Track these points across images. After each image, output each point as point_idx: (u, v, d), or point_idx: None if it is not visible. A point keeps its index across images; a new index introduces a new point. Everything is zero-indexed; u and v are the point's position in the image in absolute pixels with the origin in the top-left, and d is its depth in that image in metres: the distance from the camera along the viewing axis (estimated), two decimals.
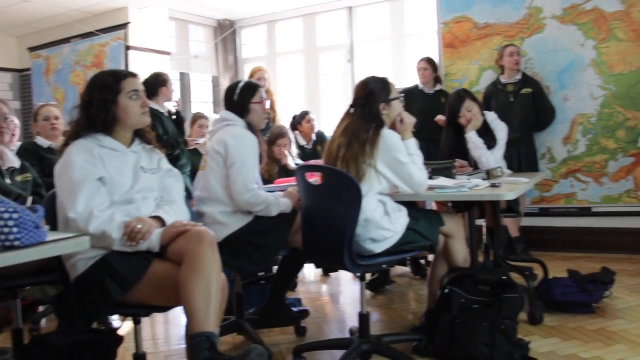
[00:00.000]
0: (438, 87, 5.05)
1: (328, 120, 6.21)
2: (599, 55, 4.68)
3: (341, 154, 2.64)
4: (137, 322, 2.24)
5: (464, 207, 3.12)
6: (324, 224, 2.56)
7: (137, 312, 2.20)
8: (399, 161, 2.61)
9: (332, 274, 4.63)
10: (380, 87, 2.74)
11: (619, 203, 4.71)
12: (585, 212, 4.84)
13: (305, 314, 3.32)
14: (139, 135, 2.39)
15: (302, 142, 5.22)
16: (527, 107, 4.65)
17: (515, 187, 2.84)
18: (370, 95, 2.71)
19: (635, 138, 4.60)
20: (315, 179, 2.75)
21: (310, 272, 4.80)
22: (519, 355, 2.56)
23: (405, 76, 6.20)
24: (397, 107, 2.78)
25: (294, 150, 4.54)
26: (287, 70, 7.43)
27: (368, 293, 3.97)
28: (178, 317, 3.55)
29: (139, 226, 2.05)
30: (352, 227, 2.44)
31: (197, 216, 2.84)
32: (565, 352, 2.75)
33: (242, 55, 7.66)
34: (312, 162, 3.77)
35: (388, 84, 2.78)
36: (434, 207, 3.85)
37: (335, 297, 4.15)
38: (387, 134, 2.64)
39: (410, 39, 6.58)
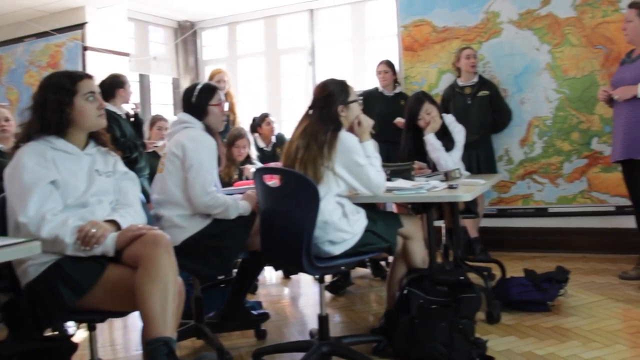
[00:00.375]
0: (397, 90, 5.09)
1: (289, 123, 6.19)
2: (553, 60, 4.79)
3: (299, 155, 2.64)
4: (91, 328, 2.20)
5: (422, 209, 3.15)
6: (282, 226, 2.56)
7: (91, 317, 2.16)
8: (356, 163, 2.63)
9: (293, 276, 4.63)
10: (339, 89, 2.76)
11: (573, 203, 4.82)
12: (542, 212, 4.94)
13: (265, 316, 3.31)
14: (94, 137, 2.35)
15: (262, 145, 5.20)
16: (484, 109, 4.72)
17: (472, 188, 2.88)
18: (329, 97, 2.72)
19: (588, 140, 4.71)
20: (274, 181, 2.74)
21: (270, 274, 4.79)
22: (476, 353, 2.60)
23: (365, 78, 6.22)
24: (355, 109, 2.80)
25: (253, 152, 4.52)
26: (248, 72, 7.39)
27: (328, 295, 3.99)
28: (137, 322, 3.48)
29: (93, 230, 2.02)
30: (310, 229, 2.45)
31: (155, 219, 2.80)
32: (521, 350, 2.80)
33: (202, 56, 7.60)
34: (271, 165, 3.77)
35: (347, 86, 2.79)
36: (394, 208, 3.88)
37: (296, 300, 4.14)
38: (344, 136, 2.65)
39: (371, 42, 6.62)
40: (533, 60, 4.87)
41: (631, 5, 3.83)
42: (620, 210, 4.62)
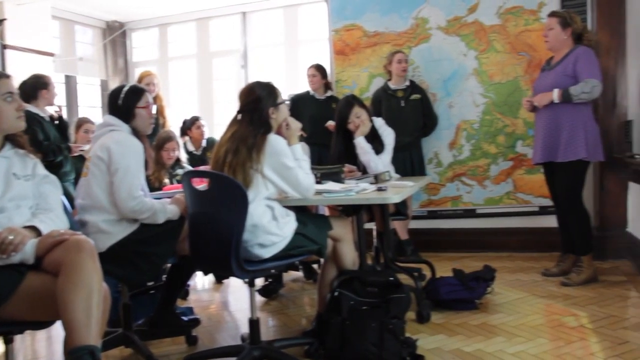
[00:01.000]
0: (329, 93, 5.11)
1: (221, 126, 6.06)
2: (479, 65, 4.93)
3: (228, 159, 2.61)
4: (8, 341, 2.10)
5: (353, 211, 3.18)
6: (210, 230, 2.53)
7: (8, 329, 2.05)
8: (285, 166, 2.63)
9: (225, 281, 4.58)
10: (267, 91, 2.75)
11: (500, 204, 4.97)
12: (470, 213, 5.07)
13: (196, 322, 3.26)
14: (10, 139, 2.25)
15: (191, 148, 5.13)
16: (417, 113, 4.80)
17: (400, 190, 2.93)
18: (258, 101, 2.72)
19: (513, 143, 4.87)
20: (203, 185, 2.71)
21: (202, 279, 4.72)
22: (406, 352, 2.64)
23: (298, 82, 6.25)
24: (284, 110, 2.81)
25: (183, 155, 4.44)
26: (180, 74, 7.28)
27: (261, 299, 3.97)
28: (61, 332, 3.36)
29: (10, 237, 1.92)
30: (239, 232, 2.43)
31: (80, 225, 2.71)
32: (450, 347, 2.88)
33: (132, 58, 7.44)
34: (201, 168, 3.72)
35: (274, 88, 2.80)
36: (326, 211, 3.90)
37: (228, 304, 4.09)
38: (273, 139, 2.65)
39: (303, 45, 6.65)
40: (461, 65, 4.99)
41: (552, 14, 3.98)
42: (543, 211, 4.80)
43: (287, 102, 2.90)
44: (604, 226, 4.57)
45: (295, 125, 2.85)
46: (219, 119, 6.80)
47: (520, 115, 4.81)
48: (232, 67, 6.99)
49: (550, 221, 4.28)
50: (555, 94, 3.75)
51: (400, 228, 4.80)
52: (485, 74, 4.92)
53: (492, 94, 4.91)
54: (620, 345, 2.76)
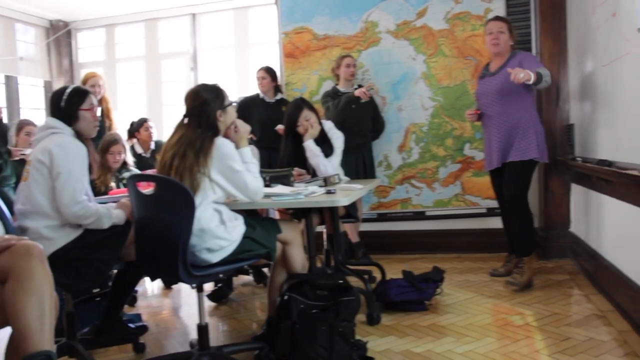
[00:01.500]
0: (279, 96, 5.08)
1: (171, 129, 5.98)
2: (428, 69, 5.00)
3: (175, 164, 2.56)
4: None
5: (302, 214, 3.17)
6: (157, 235, 2.48)
7: None
8: (233, 169, 2.60)
9: (175, 286, 4.50)
10: (214, 94, 2.72)
11: (448, 206, 5.05)
12: (420, 215, 5.13)
13: (143, 329, 3.19)
14: None
15: (140, 151, 5.03)
16: (367, 115, 4.81)
17: (349, 193, 2.93)
18: (205, 104, 2.68)
19: (461, 146, 4.95)
20: (149, 189, 2.65)
21: (151, 285, 4.63)
22: (356, 355, 2.65)
23: (249, 84, 6.22)
24: (232, 113, 2.78)
25: (130, 158, 4.35)
26: (128, 76, 7.14)
27: (210, 304, 3.92)
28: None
29: None
30: (186, 237, 2.39)
31: (20, 231, 2.61)
32: (400, 349, 2.90)
33: (78, 59, 7.26)
34: (149, 172, 3.65)
35: (220, 90, 2.76)
36: (276, 215, 3.89)
37: (177, 310, 4.02)
38: (220, 142, 2.61)
39: (254, 48, 6.62)
40: (410, 69, 5.05)
41: (501, 19, 4.02)
42: (491, 212, 4.89)
43: (235, 105, 2.85)
44: (548, 226, 4.70)
45: (244, 128, 2.83)
46: (168, 122, 6.70)
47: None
48: (182, 69, 6.90)
49: (498, 222, 4.36)
50: (532, 73, 3.54)
51: (351, 230, 4.82)
52: (434, 78, 4.99)
53: (440, 97, 4.98)
54: (563, 341, 2.84)
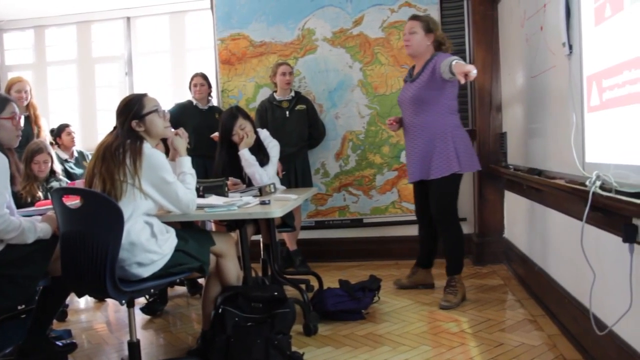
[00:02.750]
0: (211, 103, 4.99)
1: (104, 136, 5.85)
2: (364, 77, 5.03)
3: (97, 169, 2.50)
4: None
5: (236, 225, 3.12)
6: (84, 249, 2.38)
7: None
8: (164, 180, 2.53)
9: (108, 300, 4.34)
10: (134, 102, 2.68)
11: (385, 214, 5.08)
12: (357, 223, 5.14)
13: (72, 347, 3.08)
14: None
15: (64, 156, 4.85)
16: (302, 123, 4.80)
17: (284, 203, 2.90)
18: (125, 112, 2.64)
19: (397, 154, 5.00)
20: (76, 201, 2.54)
21: (86, 298, 4.45)
22: None
23: (185, 90, 6.09)
24: (156, 121, 2.69)
25: (58, 167, 4.18)
26: (59, 80, 6.87)
27: (144, 317, 3.80)
28: None
29: None
30: (115, 252, 2.31)
31: None
32: (337, 359, 2.87)
33: (5, 61, 6.93)
34: (78, 184, 3.53)
35: (141, 99, 2.70)
36: (212, 226, 3.82)
37: (110, 325, 3.87)
38: (150, 152, 2.55)
39: (190, 53, 6.49)
40: (346, 76, 5.07)
41: (414, 17, 3.79)
42: None
43: (161, 112, 2.76)
44: (482, 233, 4.79)
45: (181, 140, 2.80)
46: (102, 128, 6.48)
47: None
48: (116, 74, 6.70)
49: None
50: (456, 60, 3.30)
51: (289, 239, 4.79)
52: (370, 86, 5.03)
53: (376, 105, 5.02)
54: (497, 347, 2.90)
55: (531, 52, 3.52)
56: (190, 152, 4.41)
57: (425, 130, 3.69)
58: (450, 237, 3.77)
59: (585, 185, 2.30)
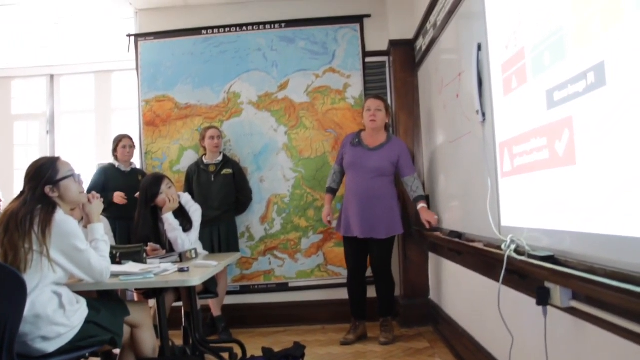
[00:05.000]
0: (133, 165, 4.87)
1: None
2: (289, 141, 5.06)
3: (0, 241, 2.34)
4: None
5: (154, 293, 2.99)
6: None
7: None
8: (76, 248, 2.41)
9: None
10: (47, 167, 2.56)
11: (311, 277, 5.03)
12: (283, 287, 5.04)
13: None
14: None
15: None
16: (227, 187, 4.73)
17: (204, 270, 2.81)
18: (36, 177, 2.52)
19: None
20: None
21: None
22: None
23: (108, 150, 5.94)
24: (71, 187, 2.58)
25: None
26: None
27: None
28: None
29: None
30: (14, 326, 2.14)
31: None
32: None
33: None
34: None
35: (55, 163, 2.59)
36: (135, 296, 3.66)
37: None
38: (62, 219, 2.42)
39: (116, 114, 6.38)
40: (271, 140, 5.08)
41: (379, 98, 4.34)
42: None
43: (81, 177, 2.67)
44: (408, 295, 4.80)
45: (97, 203, 2.68)
46: (19, 188, 6.19)
47: None
48: (36, 132, 6.48)
49: None
50: (422, 205, 4.22)
51: (214, 304, 4.64)
52: (295, 149, 5.05)
53: (301, 168, 5.04)
54: None
55: (449, 118, 3.64)
56: (113, 214, 4.32)
57: (375, 195, 4.18)
58: (388, 283, 4.32)
59: (501, 249, 2.35)
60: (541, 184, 2.06)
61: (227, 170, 4.76)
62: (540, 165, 2.05)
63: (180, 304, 3.78)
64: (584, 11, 1.68)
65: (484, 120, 2.76)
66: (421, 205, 4.20)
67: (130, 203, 4.43)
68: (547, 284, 2.04)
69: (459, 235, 3.43)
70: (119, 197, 4.47)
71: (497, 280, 2.36)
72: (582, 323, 1.93)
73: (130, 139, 4.84)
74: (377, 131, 4.28)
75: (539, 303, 2.09)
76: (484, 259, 2.85)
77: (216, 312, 4.65)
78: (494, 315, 2.57)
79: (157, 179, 3.71)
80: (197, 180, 4.73)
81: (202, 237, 3.96)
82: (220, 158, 4.79)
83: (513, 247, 2.27)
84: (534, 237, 2.18)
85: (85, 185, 4.29)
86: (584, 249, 1.82)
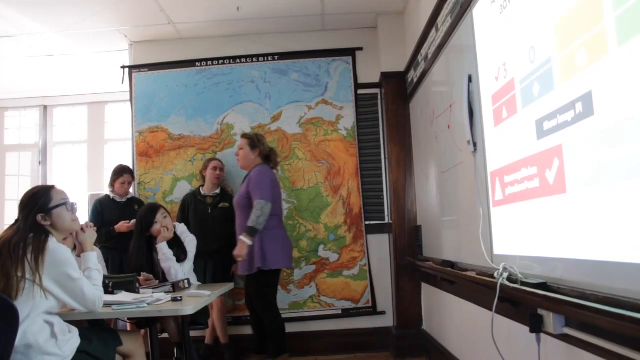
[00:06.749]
0: (129, 195, 4.87)
1: None
2: (282, 172, 5.08)
3: None
4: None
5: (146, 323, 2.98)
6: None
7: None
8: (69, 277, 2.40)
9: None
10: (40, 195, 2.57)
11: (304, 308, 5.00)
12: None
13: None
14: None
15: None
16: (224, 221, 4.64)
17: (197, 300, 2.81)
18: (29, 206, 2.53)
19: (315, 247, 5.00)
20: None
21: None
22: None
23: (103, 181, 5.96)
24: (63, 215, 2.58)
25: None
26: None
27: None
28: None
29: None
30: (5, 356, 2.12)
31: None
32: None
33: None
34: None
35: (48, 191, 2.60)
36: (127, 325, 3.64)
37: None
38: (55, 247, 2.42)
39: (109, 144, 6.42)
40: None
41: (243, 136, 4.43)
42: (346, 313, 4.93)
43: (75, 206, 2.68)
44: (401, 325, 4.78)
45: (90, 232, 2.68)
46: (11, 218, 6.17)
47: (321, 220, 4.99)
48: (28, 163, 6.49)
49: (353, 323, 4.35)
50: (244, 238, 3.95)
51: (222, 331, 4.62)
52: (288, 180, 5.08)
53: (294, 199, 5.05)
54: None
55: (441, 149, 3.68)
56: (108, 244, 4.31)
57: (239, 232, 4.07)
58: (267, 322, 4.12)
59: (494, 277, 2.36)
60: (532, 212, 2.09)
61: (224, 204, 4.73)
62: (531, 194, 2.08)
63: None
64: (571, 44, 1.73)
65: (476, 150, 2.80)
66: (241, 237, 3.99)
67: (124, 234, 4.43)
68: (540, 311, 2.06)
69: (451, 264, 3.44)
70: (123, 226, 4.45)
71: (490, 309, 2.37)
72: (576, 350, 1.94)
73: (131, 174, 4.81)
74: (247, 169, 4.31)
75: (532, 330, 2.10)
76: (476, 287, 2.86)
77: (224, 339, 4.63)
78: (488, 344, 2.57)
79: (153, 209, 3.74)
80: (193, 210, 4.71)
81: (196, 269, 3.95)
82: (217, 191, 4.78)
83: (506, 275, 2.29)
84: (526, 265, 2.20)
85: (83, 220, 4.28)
86: (575, 276, 1.84)
